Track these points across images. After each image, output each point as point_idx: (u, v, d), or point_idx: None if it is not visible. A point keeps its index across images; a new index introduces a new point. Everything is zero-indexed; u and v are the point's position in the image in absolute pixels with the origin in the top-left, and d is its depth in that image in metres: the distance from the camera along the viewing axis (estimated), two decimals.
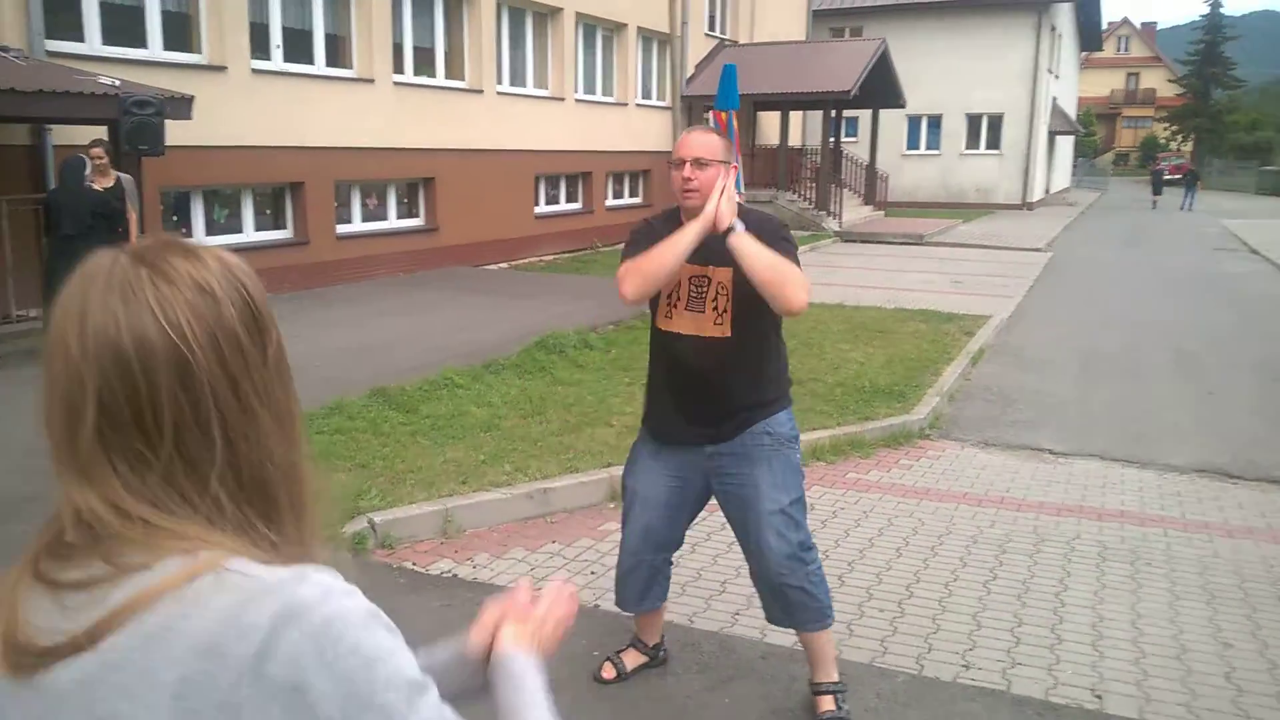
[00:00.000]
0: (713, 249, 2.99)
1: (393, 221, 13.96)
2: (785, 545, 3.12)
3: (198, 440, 0.82)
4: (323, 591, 0.79)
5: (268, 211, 12.17)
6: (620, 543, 3.42)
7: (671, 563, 3.48)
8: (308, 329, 9.01)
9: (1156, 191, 36.87)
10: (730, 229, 2.91)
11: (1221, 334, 10.99)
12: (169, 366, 0.80)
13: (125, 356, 0.79)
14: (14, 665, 0.78)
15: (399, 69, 13.61)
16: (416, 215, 14.37)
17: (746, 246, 2.90)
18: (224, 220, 11.63)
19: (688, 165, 2.99)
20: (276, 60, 11.85)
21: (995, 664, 3.66)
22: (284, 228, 12.25)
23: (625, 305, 3.24)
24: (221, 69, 10.91)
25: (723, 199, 2.92)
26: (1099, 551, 4.81)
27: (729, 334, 3.07)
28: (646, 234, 3.12)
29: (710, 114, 10.39)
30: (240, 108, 11.04)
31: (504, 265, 15.27)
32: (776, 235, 3.05)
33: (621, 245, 3.24)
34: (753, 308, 3.00)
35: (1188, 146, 65.05)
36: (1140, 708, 3.38)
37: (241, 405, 0.84)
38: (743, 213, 3.04)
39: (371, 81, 12.94)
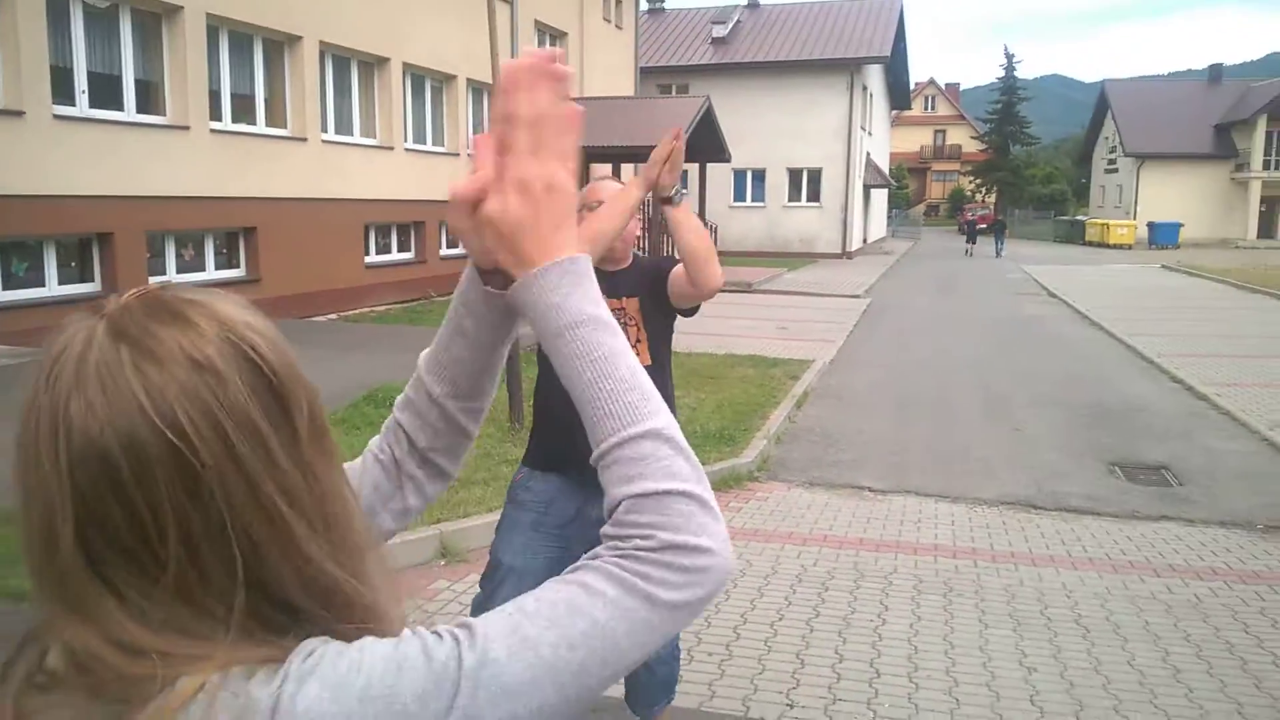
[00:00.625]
0: (621, 281, 3.00)
1: (211, 273, 13.40)
2: None
3: (213, 552, 0.67)
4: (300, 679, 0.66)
5: (73, 264, 11.48)
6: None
7: None
8: None
9: (971, 240, 39.66)
10: (671, 197, 2.81)
11: (1025, 373, 11.76)
12: (167, 469, 0.66)
13: (112, 462, 0.65)
14: None
15: (216, 116, 13.15)
16: (237, 266, 13.85)
17: (687, 216, 2.84)
18: (24, 274, 10.89)
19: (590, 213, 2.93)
20: (82, 106, 11.26)
21: (818, 700, 3.76)
22: (91, 280, 11.57)
23: None
24: (19, 114, 10.28)
25: (667, 165, 2.75)
26: (914, 585, 5.03)
27: (649, 362, 3.05)
28: None
29: None
30: (40, 154, 10.41)
31: (333, 316, 14.86)
32: (674, 264, 3.07)
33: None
34: (662, 338, 3.07)
35: (992, 198, 69.74)
36: None
37: (263, 508, 0.69)
38: (641, 257, 3.09)
39: (186, 129, 12.45)
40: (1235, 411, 9.36)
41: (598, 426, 0.80)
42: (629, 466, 0.78)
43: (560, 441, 2.98)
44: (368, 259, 16.56)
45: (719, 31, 34.30)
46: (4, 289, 10.56)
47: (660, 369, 3.13)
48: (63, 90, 10.98)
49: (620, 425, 0.79)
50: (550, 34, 23.43)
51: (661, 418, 0.80)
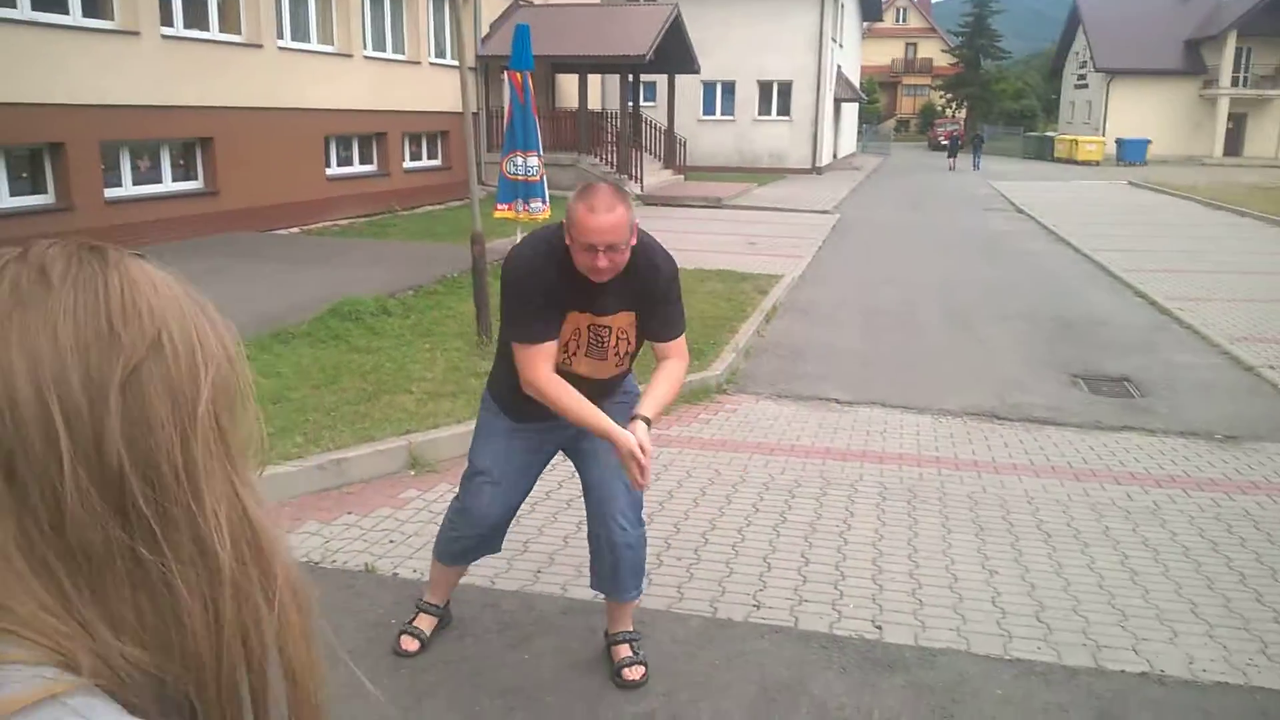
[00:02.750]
0: (610, 298, 2.93)
1: (168, 184, 13.06)
2: (630, 499, 3.15)
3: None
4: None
5: (24, 175, 11.13)
6: (465, 517, 3.24)
7: None
8: None
9: (952, 154, 40.41)
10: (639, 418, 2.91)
11: (990, 287, 11.81)
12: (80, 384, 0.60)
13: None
14: None
15: (167, 21, 12.67)
16: (194, 178, 13.50)
17: (659, 412, 3.01)
18: None
19: (600, 254, 2.75)
20: (24, 9, 10.79)
21: (784, 602, 3.81)
22: (44, 192, 11.24)
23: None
24: (135, 33, 9.80)
25: (644, 464, 2.81)
26: (879, 492, 5.09)
27: (628, 368, 3.16)
28: (535, 284, 2.87)
29: (505, 74, 10.24)
30: None
31: (295, 230, 14.58)
32: (665, 297, 3.00)
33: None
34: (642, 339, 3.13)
35: (962, 113, 69.34)
36: (916, 635, 3.61)
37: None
38: (638, 251, 2.90)
39: (137, 34, 11.99)
40: (1198, 325, 9.47)
41: None
42: None
43: (535, 410, 3.04)
44: (329, 171, 16.21)
45: None
46: None
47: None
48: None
49: None
50: None
51: None
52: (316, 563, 4.08)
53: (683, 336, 3.09)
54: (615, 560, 3.19)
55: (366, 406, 5.89)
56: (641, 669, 3.26)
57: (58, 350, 0.61)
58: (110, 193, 11.90)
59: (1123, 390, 7.45)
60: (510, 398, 3.12)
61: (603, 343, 3.00)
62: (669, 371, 3.04)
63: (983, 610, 3.82)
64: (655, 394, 2.98)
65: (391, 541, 4.34)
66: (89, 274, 0.64)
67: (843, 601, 3.84)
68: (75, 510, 0.59)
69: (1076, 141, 44.59)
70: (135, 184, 12.55)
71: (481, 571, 4.00)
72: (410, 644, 3.41)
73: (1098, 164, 42.38)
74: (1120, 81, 47.85)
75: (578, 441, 3.19)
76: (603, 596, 3.40)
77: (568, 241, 2.83)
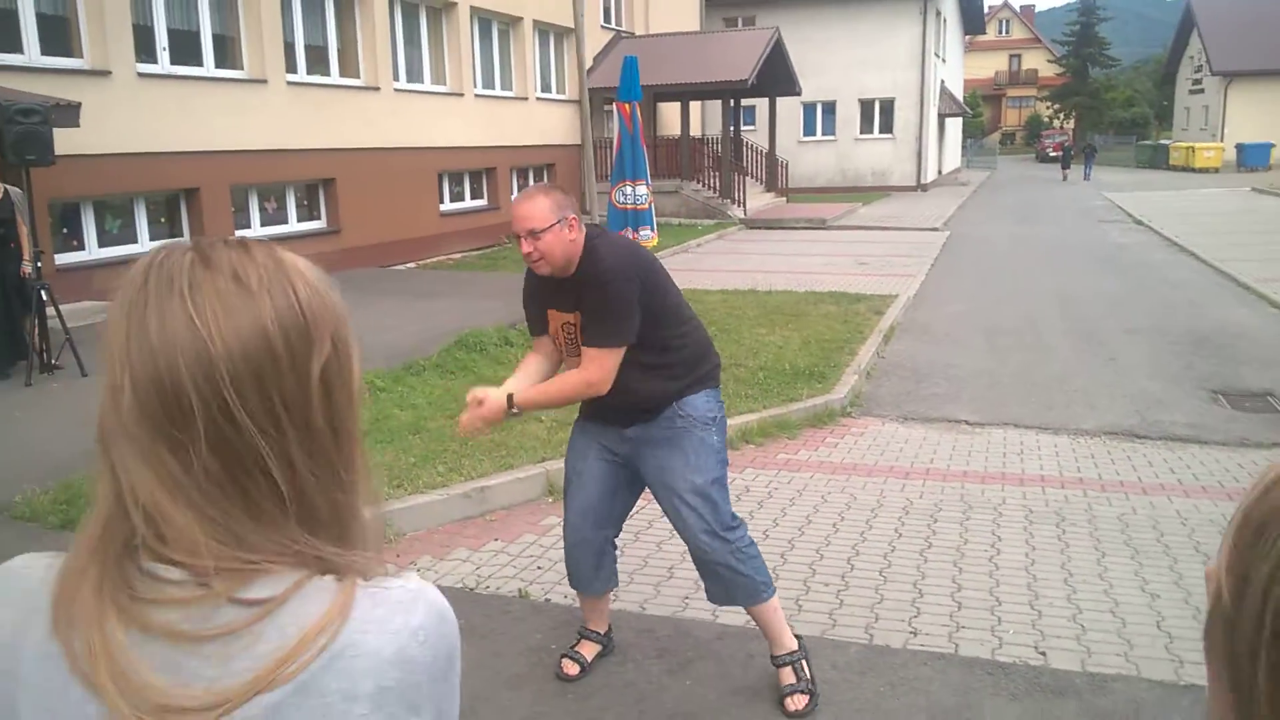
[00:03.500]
0: (569, 296, 3.06)
1: (293, 225, 13.62)
2: (703, 523, 3.15)
3: (232, 447, 0.76)
4: (433, 591, 0.85)
5: (162, 220, 11.76)
6: (563, 522, 3.45)
7: (615, 545, 3.48)
8: None
9: (1064, 165, 40.81)
10: (513, 411, 3.06)
11: (1114, 302, 11.45)
12: (193, 360, 0.75)
13: (152, 348, 0.75)
14: None
15: (291, 68, 13.27)
16: (318, 217, 14.05)
17: (536, 403, 3.11)
18: (117, 230, 11.19)
19: (524, 240, 2.98)
20: (164, 63, 11.43)
21: (941, 628, 3.76)
22: (180, 235, 11.85)
23: None
24: (105, 73, 10.48)
25: (479, 417, 3.02)
26: (1025, 515, 4.98)
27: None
28: (527, 287, 3.27)
29: (614, 105, 10.41)
30: (128, 113, 10.62)
31: (411, 265, 15.03)
32: (593, 303, 3.03)
33: None
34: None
35: (1070, 124, 67.52)
36: (1082, 660, 3.52)
37: (270, 417, 0.77)
38: (585, 254, 3.04)
39: (264, 82, 12.59)
40: None
41: None
42: None
43: (593, 414, 3.29)
44: (442, 207, 16.68)
45: None
46: (99, 246, 10.87)
47: (632, 358, 3.13)
48: (145, 48, 11.15)
49: None
50: None
51: None
52: (471, 589, 4.19)
53: (602, 350, 3.02)
54: (717, 576, 3.24)
55: (501, 435, 6.02)
56: (804, 698, 3.24)
57: (270, 349, 0.78)
58: (240, 234, 12.46)
59: (1267, 405, 7.15)
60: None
61: (574, 340, 3.12)
62: (567, 375, 3.14)
63: (1148, 635, 3.70)
64: (542, 386, 3.14)
65: (539, 568, 4.42)
66: (280, 280, 0.80)
67: (1002, 627, 3.77)
68: (299, 467, 0.79)
69: (1193, 148, 42.95)
70: (263, 224, 13.13)
71: (631, 597, 4.05)
72: (571, 668, 3.48)
73: (1217, 171, 40.73)
74: (1239, 84, 45.92)
75: (644, 465, 3.25)
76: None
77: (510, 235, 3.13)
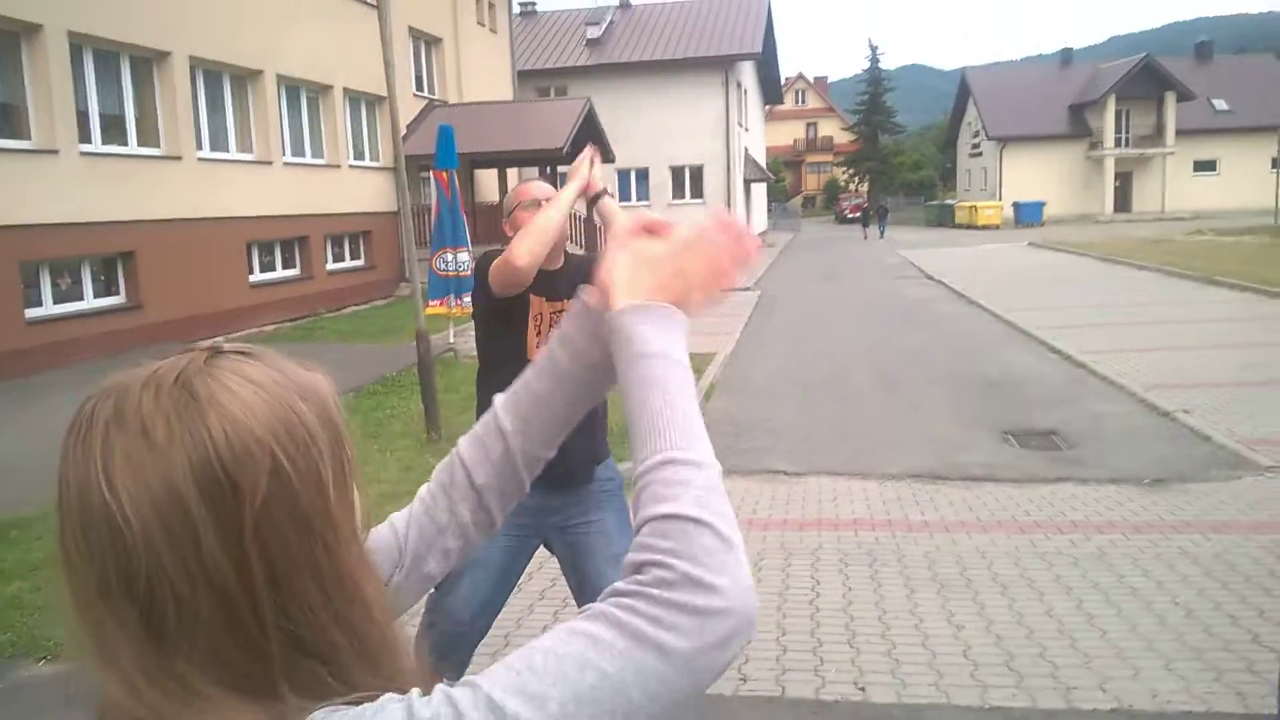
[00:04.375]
0: (560, 282, 3.09)
1: (89, 301, 12.88)
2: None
3: (166, 617, 0.69)
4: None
5: None
6: (439, 610, 3.07)
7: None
8: (9, 427, 8.15)
9: (865, 224, 45.21)
10: (601, 193, 3.09)
11: (913, 353, 12.23)
12: (107, 535, 0.68)
13: (72, 515, 0.70)
14: None
15: (85, 138, 12.65)
16: (116, 293, 13.34)
17: (614, 209, 3.13)
18: None
19: (543, 205, 3.08)
20: None
21: (768, 672, 3.91)
22: None
23: (518, 276, 2.98)
24: (53, 152, 9.68)
25: (594, 167, 3.06)
26: (840, 558, 5.24)
27: None
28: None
29: (430, 173, 10.45)
30: None
31: (219, 339, 14.40)
32: None
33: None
34: None
35: (865, 186, 71.78)
36: (898, 693, 3.73)
37: (190, 586, 0.68)
38: (577, 257, 3.24)
39: (55, 152, 11.94)
40: (1113, 376, 9.94)
41: (649, 442, 0.80)
42: (668, 487, 0.76)
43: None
44: (252, 278, 16.14)
45: (593, 33, 34.49)
46: None
47: None
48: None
49: (674, 446, 0.79)
50: (424, 39, 23.22)
51: (714, 463, 0.80)
52: None
53: None
54: None
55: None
56: None
57: (185, 510, 0.68)
58: (31, 313, 11.70)
59: (1051, 443, 7.78)
60: None
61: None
62: None
63: (956, 664, 3.96)
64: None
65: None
66: (190, 426, 0.69)
67: (824, 667, 3.95)
68: (225, 626, 0.70)
69: (976, 207, 46.52)
70: (56, 301, 12.36)
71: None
72: None
73: (998, 227, 44.18)
74: (1012, 148, 50.23)
75: (568, 528, 3.12)
76: None
77: (511, 231, 3.13)
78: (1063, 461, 7.17)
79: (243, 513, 0.68)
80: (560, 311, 3.13)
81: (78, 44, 12.46)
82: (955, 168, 62.61)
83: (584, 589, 3.11)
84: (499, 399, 1.06)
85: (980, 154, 54.35)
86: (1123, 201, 50.02)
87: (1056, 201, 48.04)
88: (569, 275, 3.13)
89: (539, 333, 3.12)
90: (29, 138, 11.86)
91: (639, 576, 0.73)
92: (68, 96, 12.19)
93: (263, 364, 0.74)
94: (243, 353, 0.75)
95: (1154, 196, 49.76)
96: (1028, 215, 45.56)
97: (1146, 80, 47.72)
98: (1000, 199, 48.41)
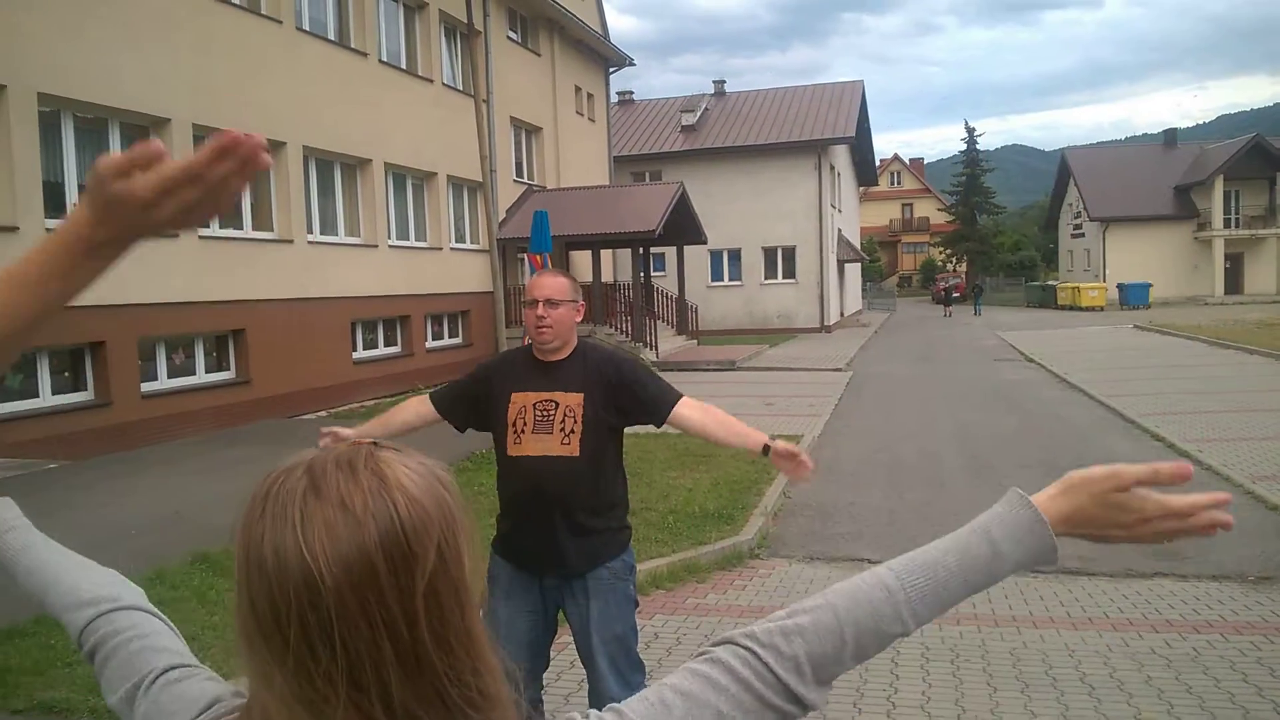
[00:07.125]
0: (562, 375, 3.26)
1: (201, 376, 13.52)
2: (616, 670, 3.28)
3: (323, 664, 0.80)
4: None
5: (66, 374, 11.58)
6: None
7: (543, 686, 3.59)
8: (115, 496, 8.56)
9: (946, 304, 46.49)
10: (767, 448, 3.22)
11: (1007, 437, 11.96)
12: (302, 588, 0.79)
13: (265, 570, 0.81)
14: None
15: (204, 221, 13.38)
16: (227, 368, 13.98)
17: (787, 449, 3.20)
18: (19, 385, 10.98)
19: (541, 305, 3.27)
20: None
21: None
22: (84, 389, 11.67)
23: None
24: (13, 229, 10.49)
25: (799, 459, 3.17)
26: (921, 653, 5.14)
27: (577, 453, 3.24)
28: (492, 365, 3.51)
29: (525, 256, 10.78)
30: None
31: (323, 414, 14.95)
32: (633, 379, 3.34)
33: (439, 386, 3.55)
34: (599, 433, 3.25)
35: (963, 266, 70.91)
36: None
37: (371, 635, 0.80)
38: (591, 349, 3.38)
39: (175, 235, 12.68)
40: (1217, 466, 9.57)
41: (910, 570, 1.07)
42: (868, 609, 1.02)
43: (539, 546, 3.30)
44: (355, 355, 16.73)
45: (688, 119, 35.23)
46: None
47: (595, 464, 3.28)
48: (54, 203, 11.22)
49: (912, 590, 1.05)
50: (526, 129, 24.07)
51: (913, 630, 1.05)
52: None
53: (678, 397, 3.36)
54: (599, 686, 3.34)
55: None
56: None
57: (374, 572, 0.80)
58: (146, 386, 12.33)
59: None
60: (501, 524, 3.41)
61: (549, 416, 3.26)
62: (708, 413, 3.38)
63: None
64: (729, 425, 3.35)
65: None
66: (382, 502, 0.82)
67: None
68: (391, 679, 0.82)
69: (1079, 288, 45.45)
70: (170, 376, 13.00)
71: None
72: None
73: (1102, 309, 43.06)
74: (1116, 228, 49.17)
75: (565, 608, 3.36)
76: None
77: (525, 319, 3.38)
78: (1162, 555, 6.90)
79: (416, 578, 0.81)
80: (548, 400, 3.28)
81: (200, 136, 13.30)
82: (1057, 248, 61.48)
83: (583, 661, 3.39)
84: None
85: (1082, 235, 53.31)
86: (1233, 283, 48.35)
87: (1163, 283, 46.68)
88: (580, 372, 3.31)
89: (523, 423, 3.29)
90: None
91: (759, 643, 0.97)
92: None
93: (412, 457, 0.88)
94: (393, 449, 0.88)
95: (1267, 278, 48.02)
96: (1134, 297, 44.35)
97: (1256, 160, 46.42)
98: (1104, 280, 47.25)
